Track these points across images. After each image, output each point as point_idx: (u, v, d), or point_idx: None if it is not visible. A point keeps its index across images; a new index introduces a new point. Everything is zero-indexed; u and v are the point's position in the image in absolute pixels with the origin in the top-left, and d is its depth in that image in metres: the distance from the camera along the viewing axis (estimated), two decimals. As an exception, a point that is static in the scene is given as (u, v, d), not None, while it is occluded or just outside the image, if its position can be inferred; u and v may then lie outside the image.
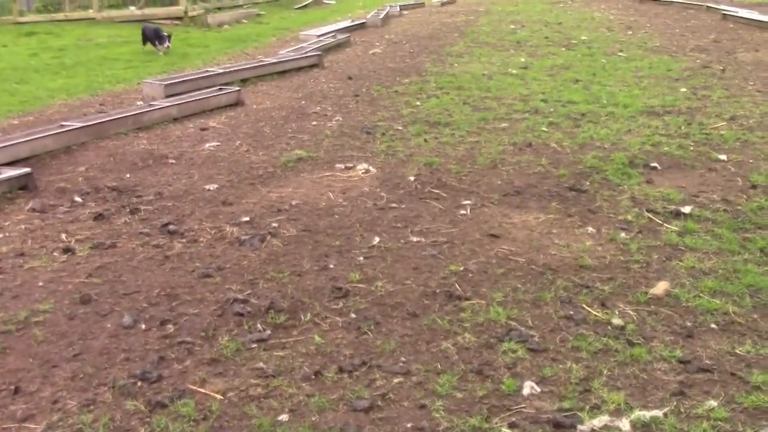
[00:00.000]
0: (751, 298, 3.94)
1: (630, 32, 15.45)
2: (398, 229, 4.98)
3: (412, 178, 6.00)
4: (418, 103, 8.91)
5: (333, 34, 15.74)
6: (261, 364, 3.37)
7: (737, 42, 13.20)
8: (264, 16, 22.51)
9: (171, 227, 5.04)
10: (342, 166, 6.39)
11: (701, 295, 3.97)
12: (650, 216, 5.15)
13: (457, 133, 7.38)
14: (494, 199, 5.56)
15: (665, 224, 5.00)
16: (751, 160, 6.21)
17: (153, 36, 13.14)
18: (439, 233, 4.91)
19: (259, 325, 3.73)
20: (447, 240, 4.78)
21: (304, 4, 27.50)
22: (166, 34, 13.09)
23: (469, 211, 5.30)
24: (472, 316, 3.78)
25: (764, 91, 8.77)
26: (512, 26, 17.37)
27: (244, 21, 20.49)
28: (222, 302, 3.96)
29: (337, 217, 5.23)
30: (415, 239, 4.80)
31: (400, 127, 7.71)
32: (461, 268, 4.34)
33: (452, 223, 5.09)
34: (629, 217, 5.14)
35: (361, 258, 4.54)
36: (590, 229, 4.96)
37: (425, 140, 7.14)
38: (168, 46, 13.01)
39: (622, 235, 4.83)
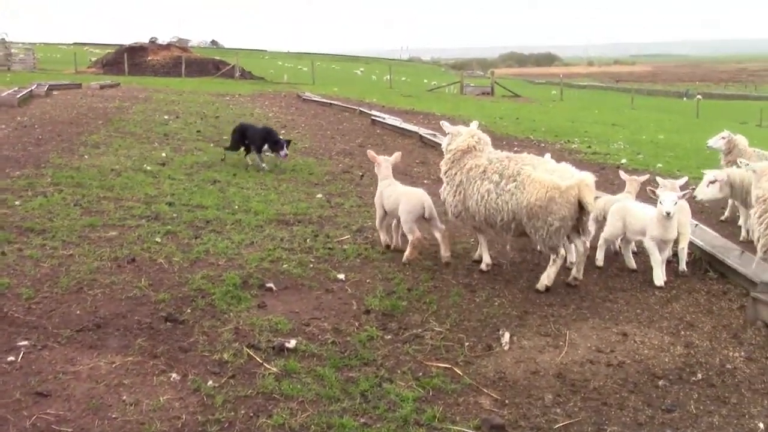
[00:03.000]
0: (338, 467, 3.33)
1: (284, 131, 15.41)
2: None
3: (-43, 310, 4.67)
4: (17, 202, 7.50)
5: (-52, 111, 13.50)
6: None
7: (380, 147, 13.68)
8: None
9: None
10: None
11: (280, 469, 3.27)
12: (250, 353, 4.44)
13: (50, 244, 6.15)
14: (64, 336, 4.46)
15: (265, 364, 4.32)
16: (368, 280, 5.88)
17: None
18: (-37, 394, 3.67)
19: None
20: (-29, 405, 3.57)
21: (-67, 73, 23.99)
22: None
23: (21, 356, 4.13)
24: None
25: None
26: (166, 116, 16.48)
27: None
28: None
29: None
30: None
31: (-23, 235, 6.27)
32: (-30, 454, 3.17)
33: (-10, 376, 3.88)
34: (226, 356, 4.38)
35: None
36: (174, 375, 4.09)
37: (2, 253, 5.81)
38: None
39: (210, 383, 4.03)
